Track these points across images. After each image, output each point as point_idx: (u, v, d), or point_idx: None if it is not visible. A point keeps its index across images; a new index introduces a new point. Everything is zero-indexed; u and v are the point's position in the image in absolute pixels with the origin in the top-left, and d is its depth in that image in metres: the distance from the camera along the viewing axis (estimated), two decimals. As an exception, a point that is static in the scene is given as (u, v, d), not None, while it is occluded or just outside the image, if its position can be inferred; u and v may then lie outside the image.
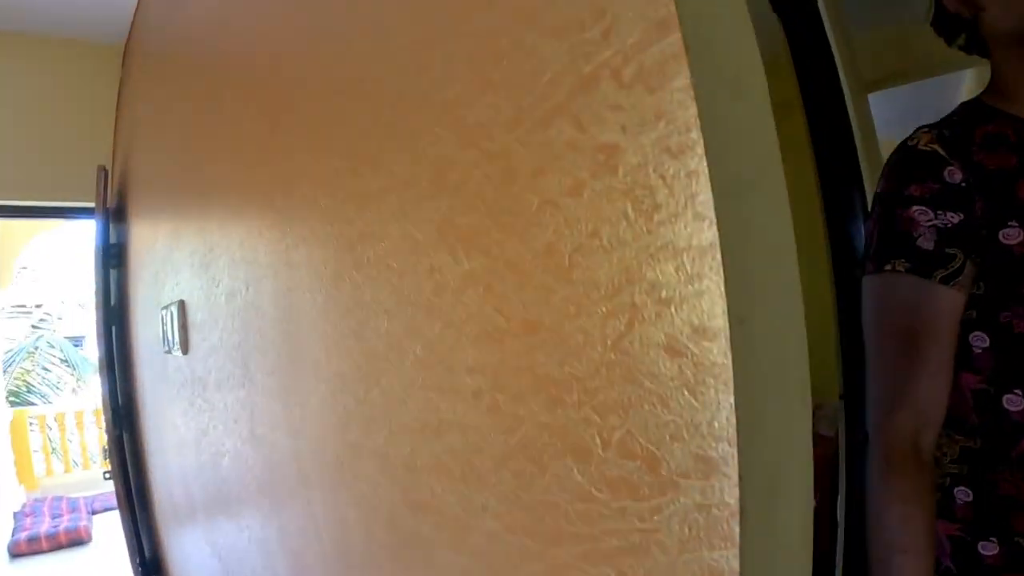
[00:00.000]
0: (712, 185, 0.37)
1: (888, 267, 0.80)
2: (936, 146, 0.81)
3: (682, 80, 0.39)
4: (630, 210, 0.40)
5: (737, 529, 0.41)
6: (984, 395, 0.80)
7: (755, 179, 0.40)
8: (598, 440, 0.45)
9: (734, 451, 0.40)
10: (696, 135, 0.38)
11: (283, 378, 0.93)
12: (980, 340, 0.81)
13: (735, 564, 0.42)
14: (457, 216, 0.53)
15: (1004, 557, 0.78)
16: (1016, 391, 0.78)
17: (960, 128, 0.84)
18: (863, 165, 1.64)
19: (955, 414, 0.81)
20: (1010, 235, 0.77)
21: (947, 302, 0.79)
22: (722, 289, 0.37)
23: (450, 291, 0.54)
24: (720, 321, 0.37)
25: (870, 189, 1.86)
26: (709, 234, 0.37)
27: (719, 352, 0.38)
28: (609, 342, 0.42)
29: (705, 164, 0.37)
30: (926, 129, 0.85)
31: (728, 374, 0.38)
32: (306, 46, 0.86)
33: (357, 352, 0.71)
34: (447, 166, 0.55)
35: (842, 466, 1.63)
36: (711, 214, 0.37)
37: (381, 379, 0.66)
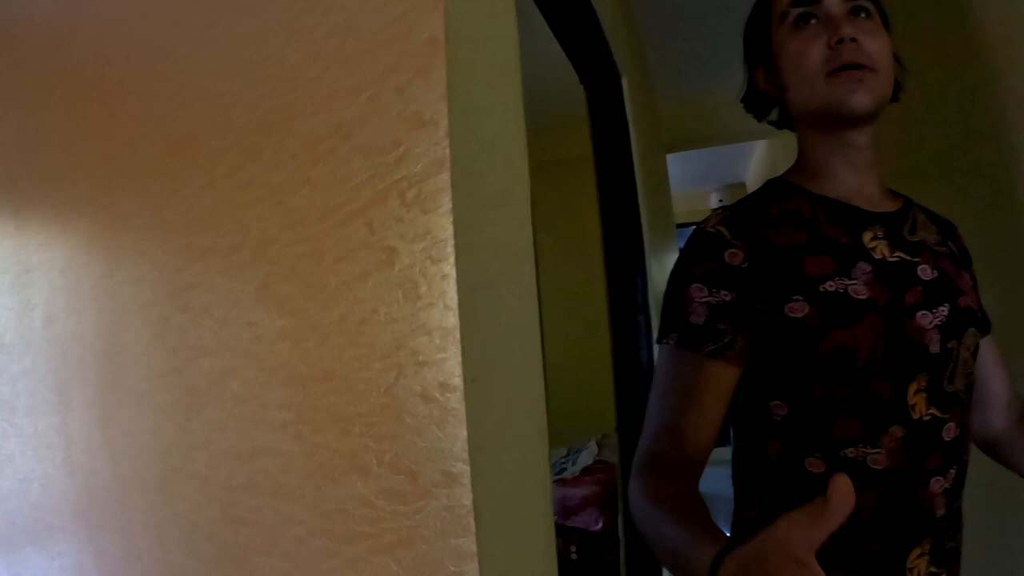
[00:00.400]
0: (458, 287, 0.54)
1: (666, 340, 0.86)
2: (722, 228, 0.86)
3: (446, 207, 0.56)
4: (401, 297, 0.56)
5: (473, 523, 0.58)
6: (787, 459, 0.83)
7: (496, 282, 0.58)
8: (375, 461, 0.60)
9: (468, 468, 0.56)
10: (451, 249, 0.55)
11: (105, 407, 0.99)
12: (780, 408, 0.83)
13: (473, 547, 0.58)
14: (274, 283, 0.66)
15: None
16: (817, 455, 0.80)
17: (755, 207, 0.89)
18: (643, 213, 1.94)
19: (764, 477, 0.85)
20: (795, 308, 0.80)
21: (715, 371, 0.83)
22: (459, 358, 0.54)
23: (265, 342, 0.67)
24: (458, 380, 0.54)
25: (653, 237, 2.18)
26: (453, 320, 0.54)
27: (456, 400, 0.54)
28: (383, 389, 0.58)
29: (455, 271, 0.54)
30: (719, 210, 0.89)
31: (463, 416, 0.55)
32: (148, 92, 0.94)
33: (180, 387, 0.81)
34: (269, 241, 0.68)
35: (619, 489, 1.91)
36: (455, 306, 0.54)
37: (203, 411, 0.77)
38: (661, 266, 2.29)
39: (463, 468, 0.56)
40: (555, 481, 2.92)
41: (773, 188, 0.92)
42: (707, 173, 6.07)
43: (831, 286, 0.80)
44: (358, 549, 0.64)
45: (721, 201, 5.97)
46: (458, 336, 0.54)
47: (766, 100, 0.97)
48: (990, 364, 0.98)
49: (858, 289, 0.80)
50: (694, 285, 0.84)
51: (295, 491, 0.67)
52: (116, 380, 0.96)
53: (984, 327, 0.92)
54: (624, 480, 1.87)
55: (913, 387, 0.79)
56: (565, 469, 3.11)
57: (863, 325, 0.78)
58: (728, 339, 0.82)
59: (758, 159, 5.51)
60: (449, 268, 0.54)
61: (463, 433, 0.55)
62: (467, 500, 0.57)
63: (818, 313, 0.79)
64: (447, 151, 0.57)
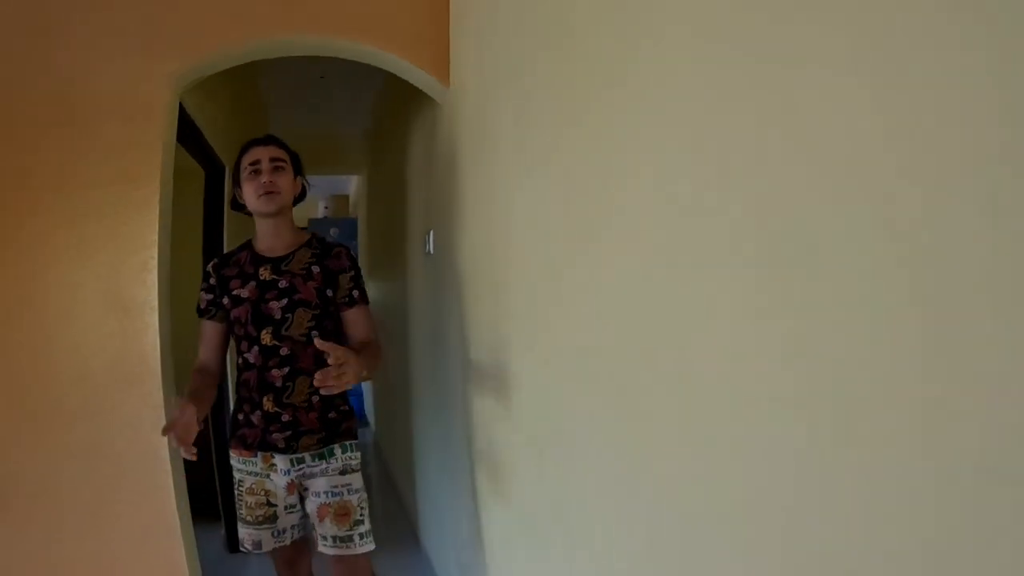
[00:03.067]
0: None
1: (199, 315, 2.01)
2: (210, 268, 1.99)
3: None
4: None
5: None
6: (237, 358, 1.97)
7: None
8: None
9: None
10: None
11: None
12: (236, 338, 1.99)
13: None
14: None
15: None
16: (239, 357, 1.93)
17: (229, 256, 2.00)
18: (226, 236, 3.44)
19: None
20: (225, 300, 1.91)
21: (212, 325, 1.97)
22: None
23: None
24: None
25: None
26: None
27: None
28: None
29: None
30: (214, 260, 2.01)
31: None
32: None
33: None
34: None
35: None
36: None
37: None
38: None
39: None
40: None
41: (244, 245, 1.99)
42: (320, 185, 7.85)
43: (235, 292, 1.90)
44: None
45: (326, 208, 7.77)
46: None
47: (239, 203, 1.99)
48: (351, 323, 1.98)
49: (243, 292, 1.90)
50: (202, 291, 1.99)
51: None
52: None
53: (327, 303, 1.93)
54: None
55: (264, 331, 1.88)
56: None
57: (243, 307, 1.89)
58: (213, 313, 1.97)
59: (356, 181, 7.45)
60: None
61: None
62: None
63: (230, 302, 1.91)
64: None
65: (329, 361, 1.59)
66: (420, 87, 2.51)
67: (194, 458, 1.63)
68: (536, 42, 1.50)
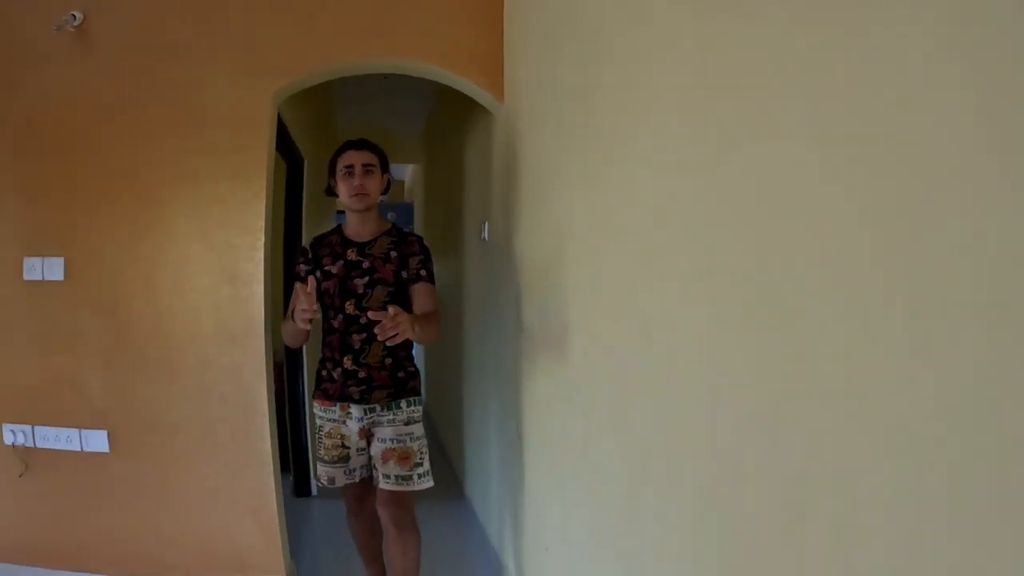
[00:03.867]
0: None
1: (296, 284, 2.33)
2: (307, 246, 2.39)
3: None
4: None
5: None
6: (325, 322, 2.32)
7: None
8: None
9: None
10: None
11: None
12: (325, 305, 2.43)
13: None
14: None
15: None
16: (326, 322, 2.29)
17: (323, 237, 2.37)
18: (304, 219, 3.93)
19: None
20: (319, 273, 2.26)
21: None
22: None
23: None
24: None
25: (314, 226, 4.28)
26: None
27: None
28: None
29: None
30: (313, 239, 2.42)
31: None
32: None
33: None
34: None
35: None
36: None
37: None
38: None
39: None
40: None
41: (335, 229, 2.38)
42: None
43: (327, 267, 2.28)
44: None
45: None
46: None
47: (333, 191, 2.36)
48: (416, 295, 2.30)
49: (333, 269, 2.28)
50: (300, 264, 2.36)
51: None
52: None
53: (401, 283, 2.30)
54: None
55: (348, 302, 2.25)
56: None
57: (332, 281, 2.27)
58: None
59: (412, 169, 7.90)
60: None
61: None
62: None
63: (322, 276, 2.28)
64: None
65: (388, 313, 1.93)
66: (478, 100, 2.90)
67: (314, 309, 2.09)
68: (580, 82, 1.86)
